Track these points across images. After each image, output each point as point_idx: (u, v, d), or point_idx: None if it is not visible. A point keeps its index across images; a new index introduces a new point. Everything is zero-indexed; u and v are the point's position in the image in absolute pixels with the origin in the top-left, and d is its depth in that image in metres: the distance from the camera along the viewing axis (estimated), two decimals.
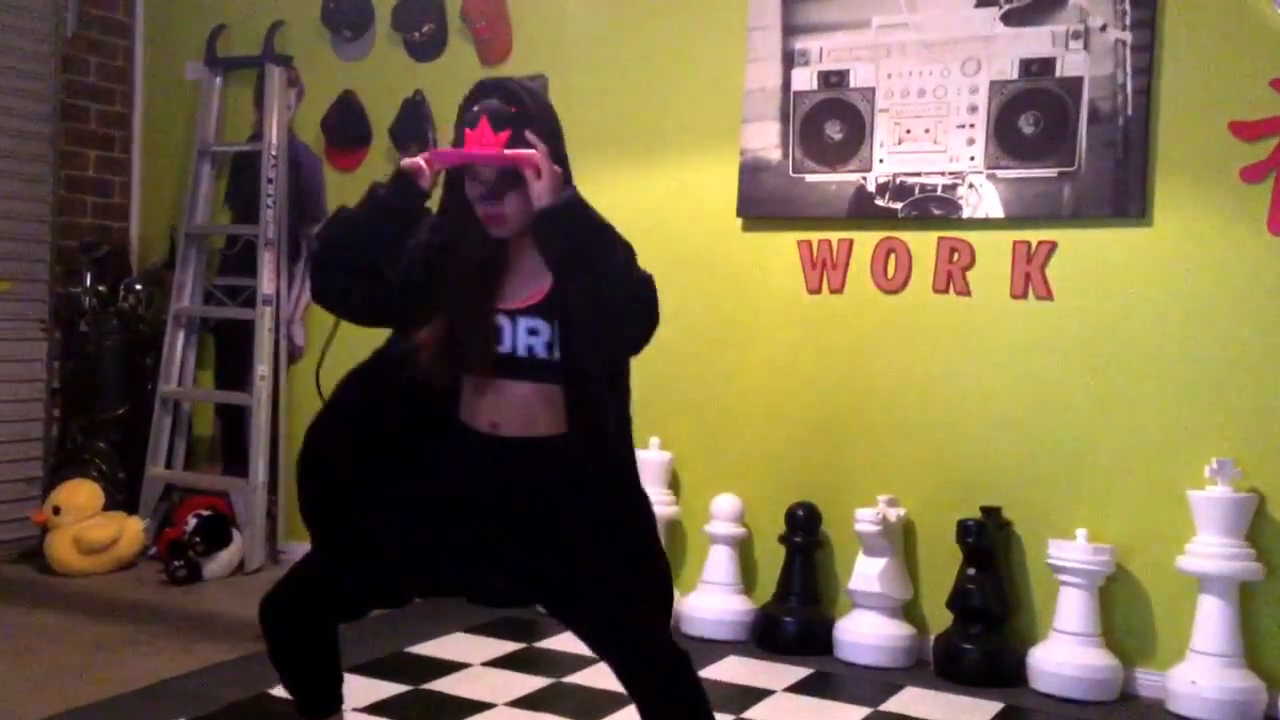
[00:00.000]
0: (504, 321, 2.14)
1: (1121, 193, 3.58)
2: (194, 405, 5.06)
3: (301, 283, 4.89)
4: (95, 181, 5.10)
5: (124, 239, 5.24)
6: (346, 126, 4.80)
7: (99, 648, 3.60)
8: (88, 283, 4.89)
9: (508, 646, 3.74)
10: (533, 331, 2.14)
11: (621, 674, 2.20)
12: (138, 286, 5.00)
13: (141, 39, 5.25)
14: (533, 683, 3.41)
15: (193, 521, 4.51)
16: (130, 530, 4.61)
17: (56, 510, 4.49)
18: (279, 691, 3.19)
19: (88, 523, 4.49)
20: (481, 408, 2.18)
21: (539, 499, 2.18)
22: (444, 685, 3.36)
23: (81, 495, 4.56)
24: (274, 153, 4.77)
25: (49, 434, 4.87)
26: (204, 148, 4.97)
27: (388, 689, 3.27)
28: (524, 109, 2.10)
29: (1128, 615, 3.59)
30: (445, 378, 2.17)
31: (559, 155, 2.12)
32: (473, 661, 3.57)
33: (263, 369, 4.70)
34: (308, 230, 4.87)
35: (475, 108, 2.10)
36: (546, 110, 2.18)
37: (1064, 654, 3.49)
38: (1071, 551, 3.52)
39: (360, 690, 3.13)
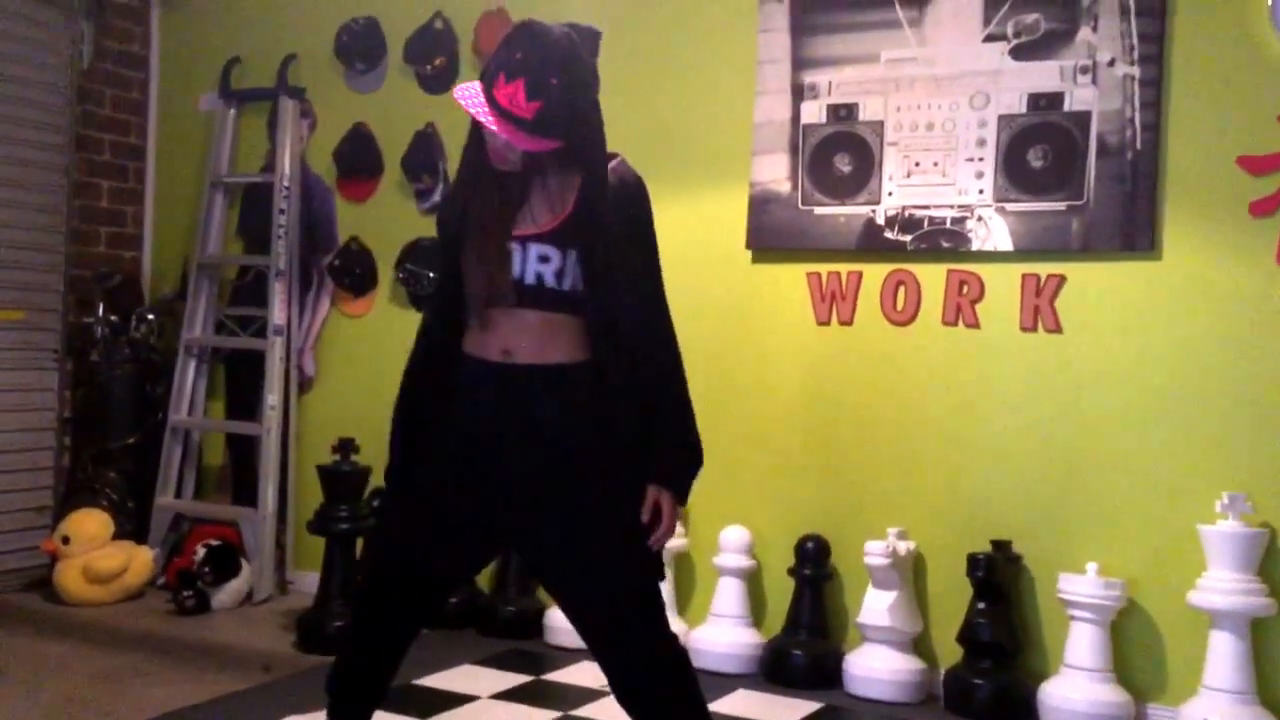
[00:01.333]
0: (515, 247, 2.16)
1: (1130, 226, 3.59)
2: (204, 435, 5.08)
3: (313, 312, 4.91)
4: (109, 212, 5.14)
5: (136, 269, 5.27)
6: (358, 157, 4.83)
7: (108, 678, 3.59)
8: (100, 312, 4.92)
9: (516, 679, 3.73)
10: (543, 259, 2.16)
11: (613, 667, 2.26)
12: (149, 316, 5.03)
13: (156, 72, 5.31)
14: (541, 715, 3.39)
15: (201, 551, 4.51)
16: (139, 560, 4.61)
17: (66, 539, 4.50)
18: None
19: (97, 552, 4.50)
20: (492, 337, 2.20)
21: (547, 430, 2.18)
22: (452, 718, 3.35)
23: (91, 524, 4.57)
24: (286, 183, 4.80)
25: (60, 463, 4.89)
26: (217, 178, 5.01)
27: None
28: (562, 82, 2.09)
29: (1139, 650, 3.57)
30: (481, 310, 2.20)
31: (589, 103, 2.20)
32: (480, 694, 3.55)
33: (273, 399, 4.72)
34: (319, 260, 4.90)
35: (518, 56, 2.08)
36: (585, 74, 2.20)
37: (1075, 689, 3.46)
38: (1082, 585, 3.51)
39: None
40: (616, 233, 2.18)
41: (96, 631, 4.13)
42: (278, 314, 4.75)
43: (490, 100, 2.06)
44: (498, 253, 2.16)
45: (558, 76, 2.06)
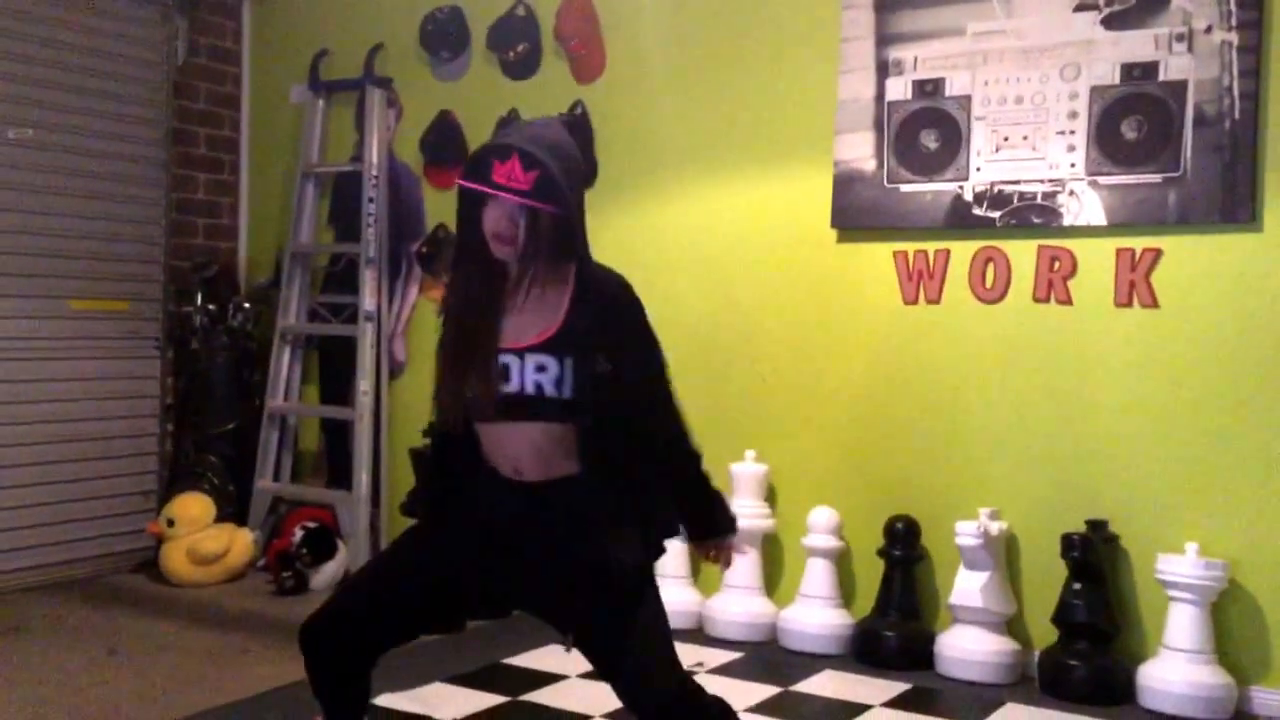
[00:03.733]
0: (512, 360, 2.15)
1: (1229, 198, 3.49)
2: (300, 420, 5.20)
3: (402, 299, 4.99)
4: (205, 204, 5.28)
5: (232, 259, 5.40)
6: (444, 145, 4.90)
7: (214, 656, 3.71)
8: (199, 302, 5.07)
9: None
10: (541, 368, 2.14)
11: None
12: (245, 305, 5.16)
13: (248, 65, 5.43)
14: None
15: (299, 533, 4.62)
16: (240, 542, 4.75)
17: (170, 522, 4.65)
18: (384, 700, 3.27)
19: (200, 534, 4.64)
20: (502, 453, 2.20)
21: (559, 544, 2.19)
22: (540, 696, 3.39)
23: (194, 508, 4.71)
24: (374, 173, 4.88)
25: (163, 449, 5.05)
26: (308, 169, 5.11)
27: None
28: (554, 156, 2.11)
29: (1242, 631, 3.49)
30: (457, 423, 2.20)
31: (580, 179, 2.19)
32: (569, 674, 3.58)
33: (365, 384, 4.81)
34: (408, 247, 4.98)
35: (507, 139, 2.14)
36: (569, 158, 2.17)
37: (1175, 671, 3.40)
38: (1181, 566, 3.43)
39: None
40: (617, 339, 2.18)
41: (201, 611, 4.27)
42: (368, 301, 4.84)
43: (489, 183, 2.10)
44: (484, 364, 2.16)
45: (546, 153, 2.10)
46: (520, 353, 2.15)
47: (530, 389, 2.14)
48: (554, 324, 2.15)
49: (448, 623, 2.41)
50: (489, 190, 2.11)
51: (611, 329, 2.17)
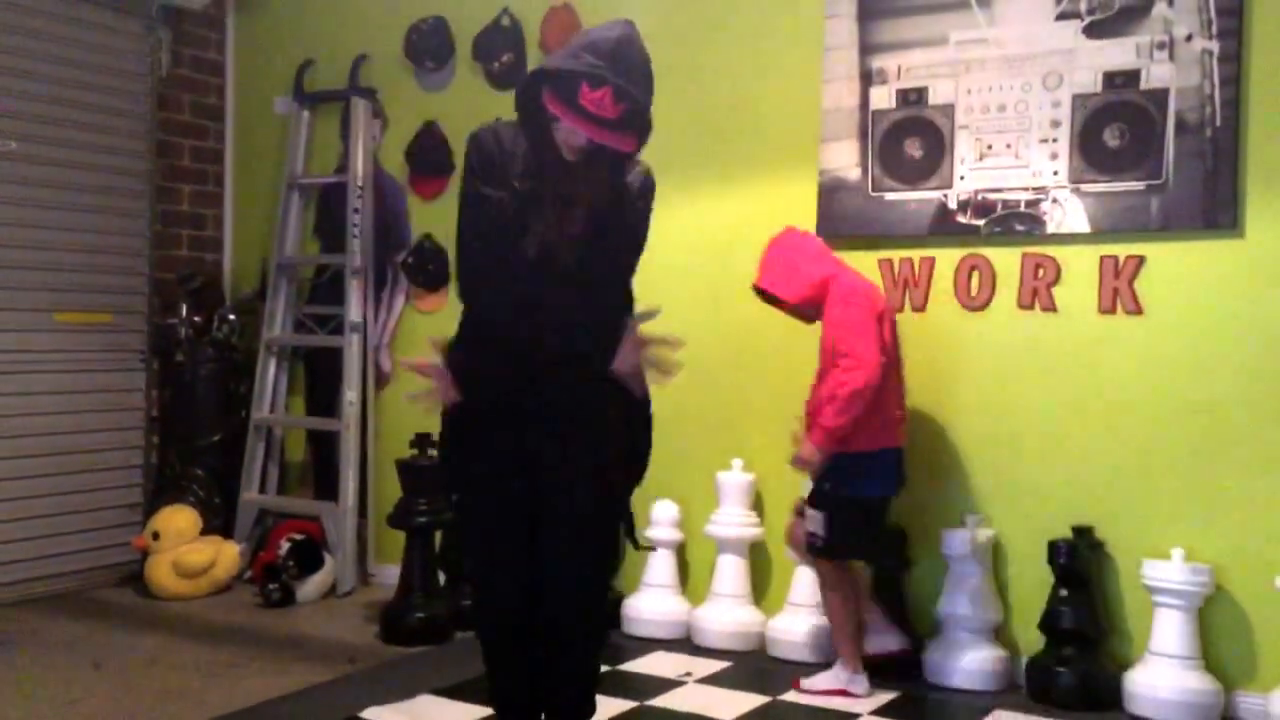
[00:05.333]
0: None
1: (1211, 204, 3.51)
2: (286, 431, 5.18)
3: (388, 310, 4.99)
4: (190, 215, 5.27)
5: (217, 270, 5.39)
6: (429, 156, 4.89)
7: (200, 670, 3.69)
8: (184, 314, 5.05)
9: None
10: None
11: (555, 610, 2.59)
12: (231, 316, 5.14)
13: (232, 76, 5.42)
14: (617, 705, 3.42)
15: (286, 546, 4.61)
16: (226, 554, 4.73)
17: (156, 535, 4.63)
18: (371, 714, 3.26)
19: (186, 547, 4.62)
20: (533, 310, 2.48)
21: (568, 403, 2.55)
22: None
23: (180, 520, 4.69)
24: (360, 183, 4.88)
25: (148, 461, 5.03)
26: (293, 180, 5.10)
27: None
28: (643, 88, 2.36)
29: (1228, 636, 3.50)
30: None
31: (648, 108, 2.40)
32: None
33: (352, 395, 4.80)
34: (394, 258, 4.97)
35: (600, 65, 2.27)
36: (651, 81, 2.42)
37: (1161, 676, 3.41)
38: (1167, 572, 3.44)
39: None
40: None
41: (187, 625, 4.24)
42: (354, 311, 4.83)
43: (575, 106, 2.26)
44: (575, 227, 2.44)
45: (638, 85, 2.31)
46: None
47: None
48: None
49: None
50: (576, 119, 2.29)
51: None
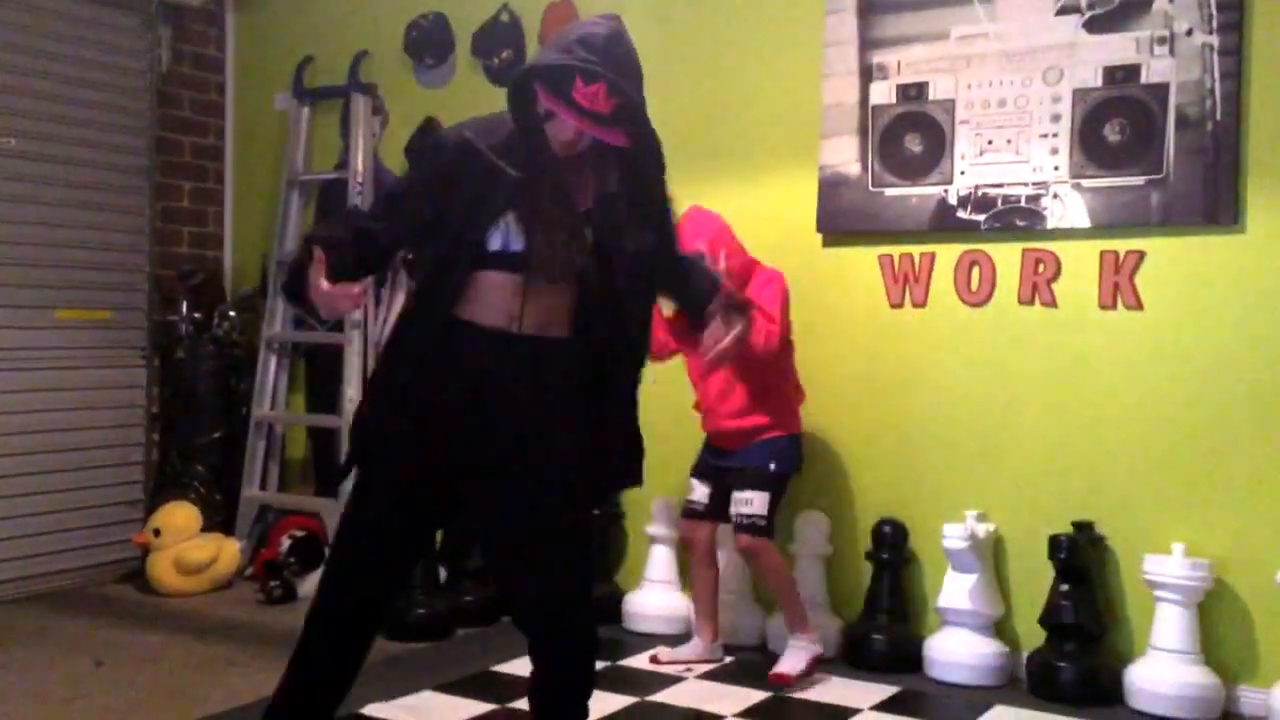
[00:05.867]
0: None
1: (1212, 199, 3.50)
2: (286, 428, 5.18)
3: (389, 306, 4.98)
4: (190, 212, 5.26)
5: (218, 267, 5.39)
6: None
7: (201, 667, 3.70)
8: (184, 310, 5.05)
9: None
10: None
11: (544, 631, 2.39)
12: (231, 313, 5.14)
13: (232, 73, 5.42)
14: (617, 701, 3.42)
15: (287, 542, 4.61)
16: (227, 551, 4.73)
17: (157, 532, 4.64)
18: (373, 710, 3.26)
19: (187, 544, 4.62)
20: (503, 306, 2.26)
21: (545, 397, 2.31)
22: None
23: (180, 517, 4.69)
24: (359, 180, 4.88)
25: (149, 458, 5.03)
26: (293, 176, 5.10)
27: None
28: (634, 86, 2.25)
29: (1229, 631, 3.50)
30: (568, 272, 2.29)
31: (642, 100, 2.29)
32: None
33: (352, 392, 4.80)
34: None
35: (594, 61, 2.19)
36: (641, 77, 2.31)
37: (1162, 671, 3.41)
38: (1168, 566, 3.45)
39: None
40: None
41: (188, 621, 4.25)
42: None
43: (569, 100, 2.19)
44: (576, 228, 2.28)
45: (629, 80, 2.24)
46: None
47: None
48: (587, 199, 2.31)
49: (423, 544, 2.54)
50: (569, 113, 2.20)
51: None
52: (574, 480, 2.34)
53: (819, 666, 3.67)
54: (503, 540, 2.40)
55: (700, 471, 3.86)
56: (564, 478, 2.32)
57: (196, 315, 5.06)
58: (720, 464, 3.79)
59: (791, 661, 3.60)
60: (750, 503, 3.66)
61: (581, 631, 2.40)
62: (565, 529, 2.35)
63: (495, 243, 2.26)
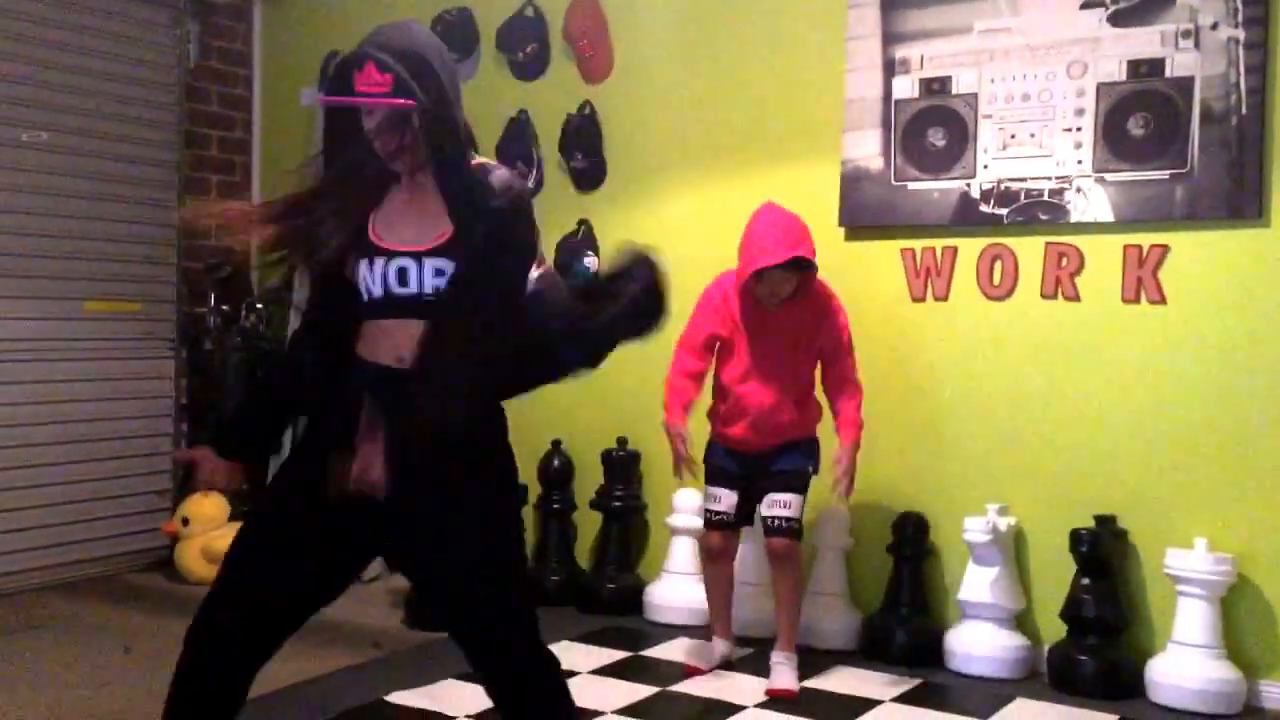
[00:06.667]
0: (409, 263, 2.17)
1: (1237, 194, 3.49)
2: None
3: None
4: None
5: (245, 260, 5.42)
6: None
7: None
8: (212, 303, 5.10)
9: (615, 655, 3.78)
10: (439, 272, 2.17)
11: (487, 672, 2.28)
12: (258, 306, 5.18)
13: (259, 68, 5.46)
14: (640, 691, 3.44)
15: None
16: None
17: (185, 521, 4.69)
18: (396, 698, 3.30)
19: (215, 533, 4.67)
20: (385, 342, 2.19)
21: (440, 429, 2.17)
22: None
23: (208, 506, 4.74)
24: None
25: (177, 448, 5.08)
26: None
27: None
28: (397, 72, 2.21)
29: (1251, 625, 3.50)
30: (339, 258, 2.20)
31: (449, 72, 2.28)
32: (580, 669, 3.61)
33: None
34: None
35: (358, 49, 2.25)
36: (424, 54, 2.28)
37: (1184, 666, 3.41)
38: (1190, 561, 3.44)
39: None
40: (504, 245, 2.22)
41: None
42: None
43: (351, 92, 2.22)
44: (345, 209, 2.21)
45: (396, 56, 2.24)
46: (418, 256, 2.17)
47: (429, 291, 2.16)
48: (446, 229, 2.18)
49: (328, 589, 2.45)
50: (354, 101, 2.20)
51: (496, 236, 2.18)
52: (486, 520, 2.23)
53: (832, 660, 3.67)
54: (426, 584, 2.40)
55: (723, 479, 3.69)
56: (474, 522, 2.22)
57: (224, 308, 5.11)
58: (746, 469, 3.67)
59: (788, 677, 3.55)
60: (789, 505, 3.57)
61: (517, 681, 2.26)
62: (466, 572, 2.25)
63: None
